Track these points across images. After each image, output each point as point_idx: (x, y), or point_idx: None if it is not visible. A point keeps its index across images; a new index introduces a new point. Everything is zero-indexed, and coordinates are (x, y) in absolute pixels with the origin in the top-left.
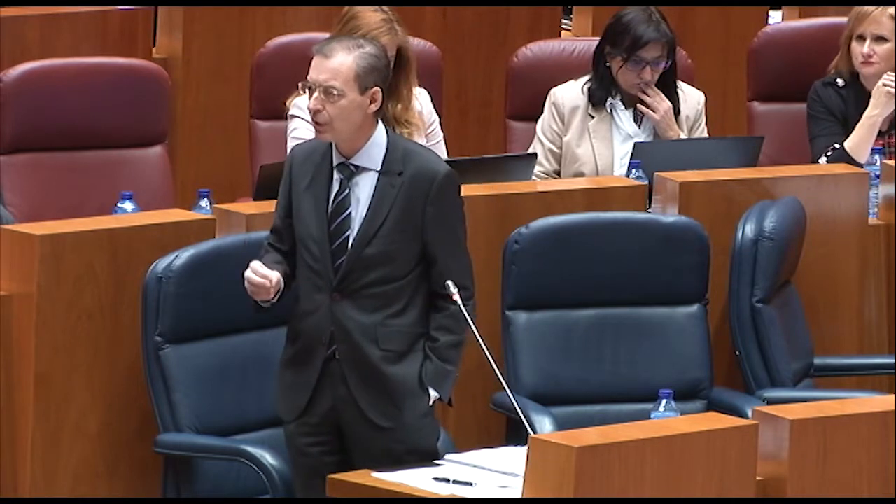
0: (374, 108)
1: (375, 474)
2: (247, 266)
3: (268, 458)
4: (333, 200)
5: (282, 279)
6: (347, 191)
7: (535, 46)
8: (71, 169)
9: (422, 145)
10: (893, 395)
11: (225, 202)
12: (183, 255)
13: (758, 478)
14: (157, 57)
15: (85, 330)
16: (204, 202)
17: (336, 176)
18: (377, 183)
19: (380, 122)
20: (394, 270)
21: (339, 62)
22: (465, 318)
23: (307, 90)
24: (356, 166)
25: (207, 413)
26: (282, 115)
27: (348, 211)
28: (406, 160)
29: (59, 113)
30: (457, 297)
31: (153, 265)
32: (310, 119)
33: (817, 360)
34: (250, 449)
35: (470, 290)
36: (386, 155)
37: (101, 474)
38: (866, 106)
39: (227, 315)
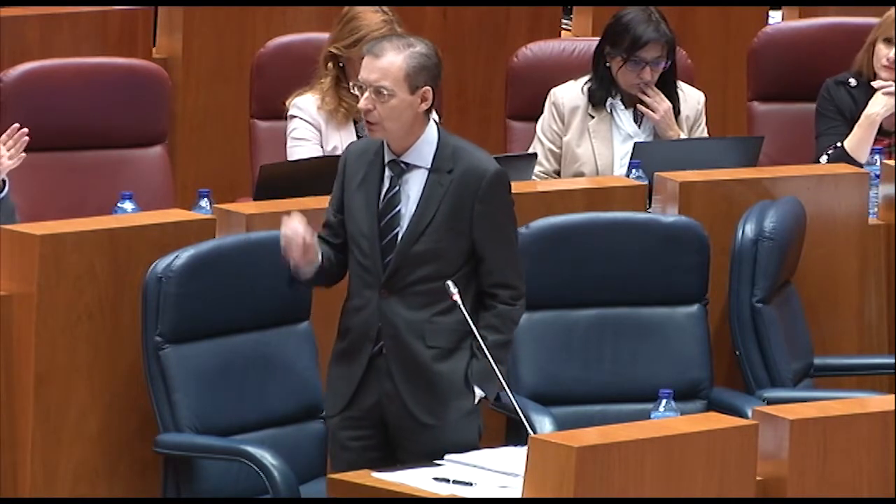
0: (424, 106)
1: (375, 474)
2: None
3: (268, 458)
4: (384, 197)
5: (318, 247)
6: (398, 188)
7: (535, 46)
8: (71, 169)
9: (473, 143)
10: (893, 395)
11: (225, 202)
12: (183, 255)
13: (758, 478)
14: (157, 57)
15: (85, 330)
16: (204, 202)
17: (387, 173)
18: (427, 180)
19: (431, 120)
20: (442, 268)
21: (388, 62)
22: (465, 317)
23: (358, 89)
24: (406, 164)
25: (207, 413)
26: (282, 115)
27: (398, 208)
28: (456, 158)
29: (59, 113)
30: (456, 297)
31: (153, 265)
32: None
33: (817, 360)
34: (250, 449)
35: (519, 289)
36: (436, 152)
37: (101, 474)
38: None
39: (227, 315)
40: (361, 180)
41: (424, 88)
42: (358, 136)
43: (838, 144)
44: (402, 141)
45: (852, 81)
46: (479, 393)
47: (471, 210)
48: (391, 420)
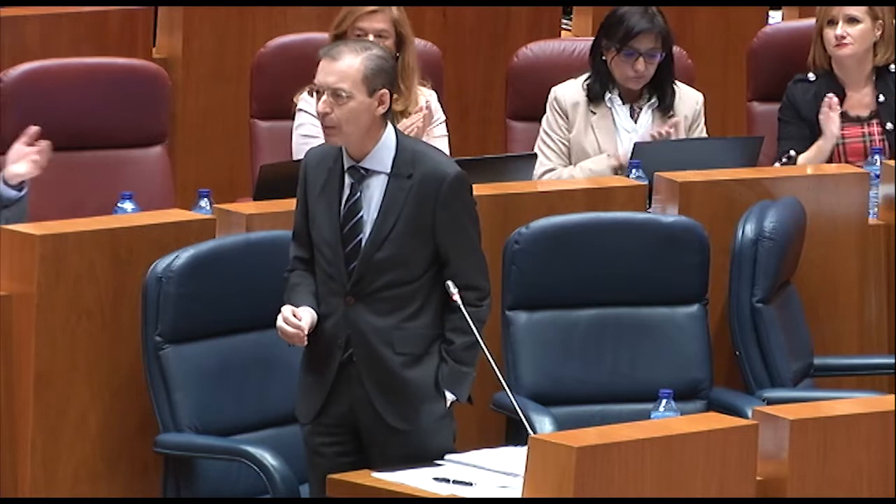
0: (382, 109)
1: (375, 474)
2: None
3: (268, 458)
4: (345, 204)
5: (314, 314)
6: (359, 194)
7: (535, 46)
8: (71, 169)
9: (432, 146)
10: (893, 395)
11: (225, 202)
12: (183, 255)
13: (758, 478)
14: (157, 57)
15: (85, 330)
16: (204, 202)
17: (347, 180)
18: (387, 186)
19: (389, 124)
20: (406, 273)
21: (346, 64)
22: (466, 317)
23: (315, 94)
24: (366, 169)
25: (207, 413)
26: (282, 114)
27: (360, 214)
28: (416, 162)
29: (59, 113)
30: (457, 298)
31: (153, 265)
32: (315, 115)
33: (817, 360)
34: (250, 449)
35: (484, 290)
36: (395, 157)
37: (101, 474)
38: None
39: (227, 315)
40: (322, 187)
41: (382, 91)
42: None
43: (792, 153)
44: (361, 146)
45: (811, 76)
46: (450, 397)
47: (432, 215)
48: (364, 426)
